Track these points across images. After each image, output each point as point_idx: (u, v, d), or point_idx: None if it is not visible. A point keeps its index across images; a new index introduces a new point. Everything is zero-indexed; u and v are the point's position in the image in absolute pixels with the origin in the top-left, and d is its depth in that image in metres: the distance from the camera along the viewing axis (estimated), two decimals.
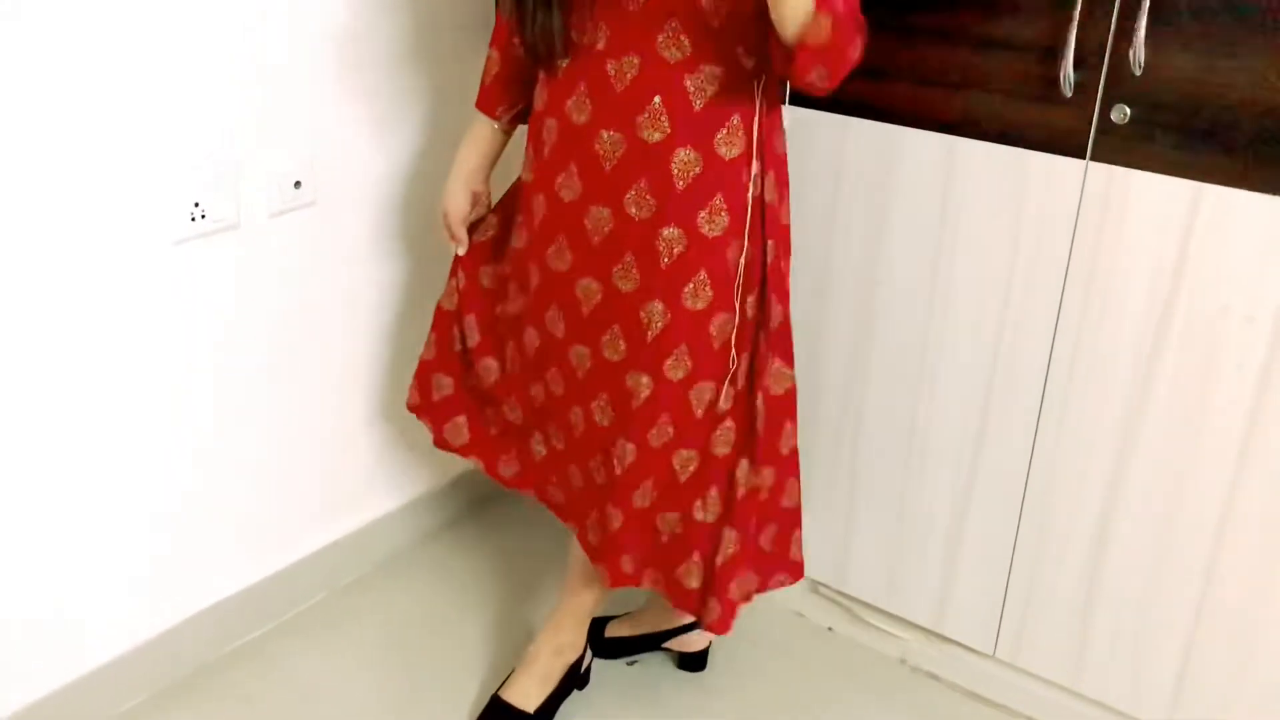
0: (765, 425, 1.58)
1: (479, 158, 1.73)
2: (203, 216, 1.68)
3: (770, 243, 1.54)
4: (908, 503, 1.90)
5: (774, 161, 1.54)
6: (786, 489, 1.67)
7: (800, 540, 1.73)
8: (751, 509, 1.60)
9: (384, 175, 1.98)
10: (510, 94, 1.68)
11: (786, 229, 1.60)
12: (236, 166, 1.72)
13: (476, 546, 2.29)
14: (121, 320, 1.64)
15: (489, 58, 1.68)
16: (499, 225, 1.75)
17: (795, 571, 1.74)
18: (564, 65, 1.52)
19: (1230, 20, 1.42)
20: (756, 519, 1.63)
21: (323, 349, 1.98)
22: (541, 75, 1.57)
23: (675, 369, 1.52)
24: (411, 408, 1.85)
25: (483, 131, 1.72)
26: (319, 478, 2.05)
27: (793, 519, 1.71)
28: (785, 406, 1.62)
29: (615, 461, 1.56)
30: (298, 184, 1.82)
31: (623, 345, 1.54)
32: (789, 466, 1.66)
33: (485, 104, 1.70)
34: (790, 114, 1.77)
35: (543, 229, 1.59)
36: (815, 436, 1.95)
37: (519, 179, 1.68)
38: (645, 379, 1.53)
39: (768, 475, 1.62)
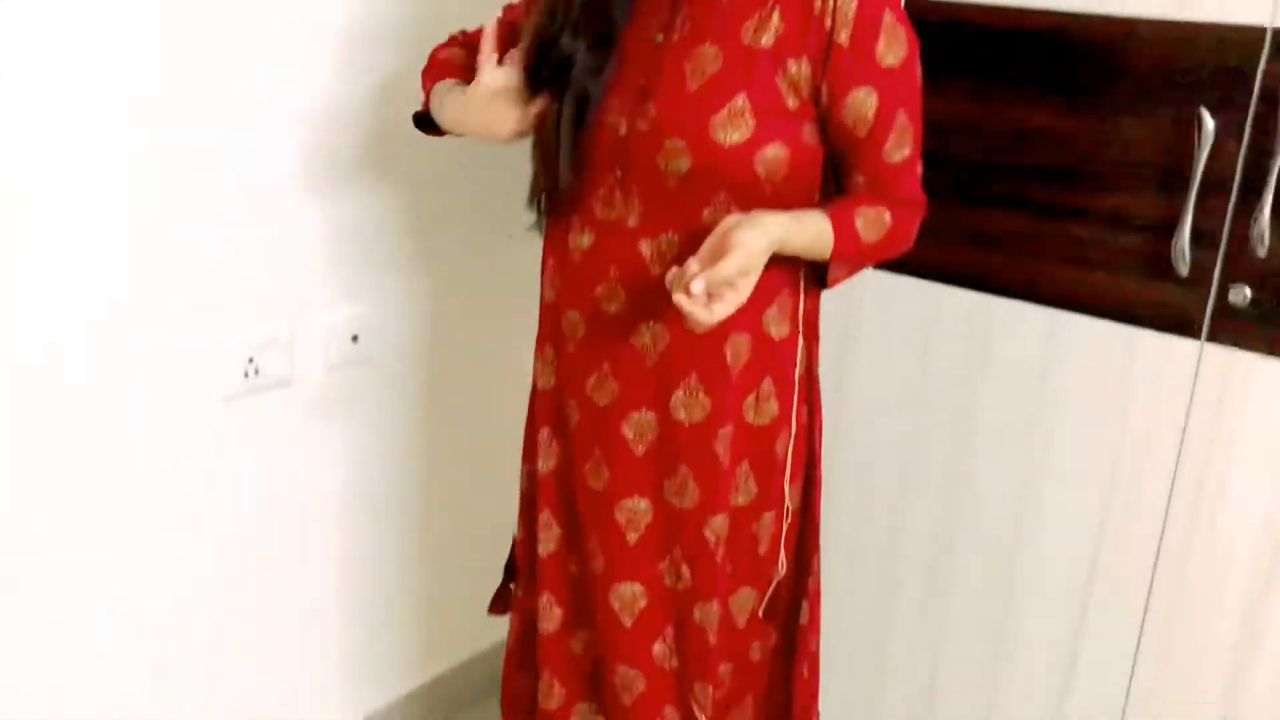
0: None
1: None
2: (256, 373, 1.60)
3: (815, 424, 1.42)
4: (995, 708, 1.74)
5: (816, 335, 1.40)
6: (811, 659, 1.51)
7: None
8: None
9: (443, 333, 1.90)
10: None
11: (820, 401, 1.44)
12: (293, 321, 1.65)
13: None
14: (168, 477, 1.55)
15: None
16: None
17: None
18: (585, 241, 1.33)
19: None
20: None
21: (374, 509, 1.88)
22: (550, 260, 1.40)
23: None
24: None
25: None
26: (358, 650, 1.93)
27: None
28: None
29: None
30: (355, 338, 1.74)
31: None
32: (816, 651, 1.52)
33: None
34: (871, 277, 1.68)
35: (578, 437, 1.41)
36: (890, 647, 1.81)
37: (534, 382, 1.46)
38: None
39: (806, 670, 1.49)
